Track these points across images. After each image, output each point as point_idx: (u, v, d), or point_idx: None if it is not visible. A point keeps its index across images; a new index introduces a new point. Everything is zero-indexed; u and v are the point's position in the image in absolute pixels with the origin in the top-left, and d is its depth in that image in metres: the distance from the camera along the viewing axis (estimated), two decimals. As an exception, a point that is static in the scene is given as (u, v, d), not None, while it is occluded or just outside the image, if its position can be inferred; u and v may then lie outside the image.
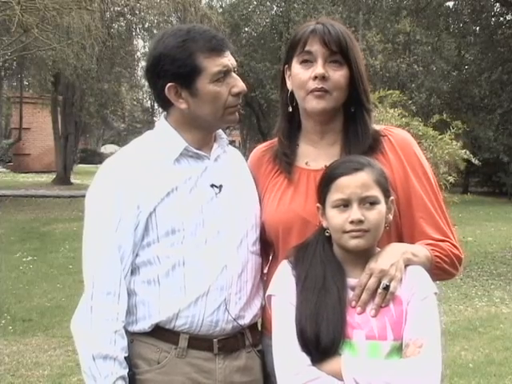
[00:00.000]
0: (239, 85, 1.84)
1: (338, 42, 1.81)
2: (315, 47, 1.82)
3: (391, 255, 1.67)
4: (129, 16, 20.07)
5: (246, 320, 1.86)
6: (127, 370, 1.74)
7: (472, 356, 5.39)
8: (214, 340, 1.81)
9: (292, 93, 1.90)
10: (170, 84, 1.80)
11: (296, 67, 1.86)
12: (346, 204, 1.63)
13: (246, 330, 1.87)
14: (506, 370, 5.07)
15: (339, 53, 1.82)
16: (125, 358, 1.74)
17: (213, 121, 1.85)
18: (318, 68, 1.81)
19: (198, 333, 1.80)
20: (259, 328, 1.96)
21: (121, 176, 1.80)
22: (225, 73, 1.81)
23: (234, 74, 1.84)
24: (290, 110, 1.92)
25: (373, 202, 1.64)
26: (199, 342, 1.80)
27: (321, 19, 1.88)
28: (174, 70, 1.79)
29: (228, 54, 1.83)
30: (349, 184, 1.63)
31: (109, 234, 1.76)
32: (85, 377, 1.76)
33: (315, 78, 1.80)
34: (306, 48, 1.83)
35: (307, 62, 1.83)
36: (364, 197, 1.63)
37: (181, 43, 1.79)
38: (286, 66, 1.92)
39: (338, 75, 1.82)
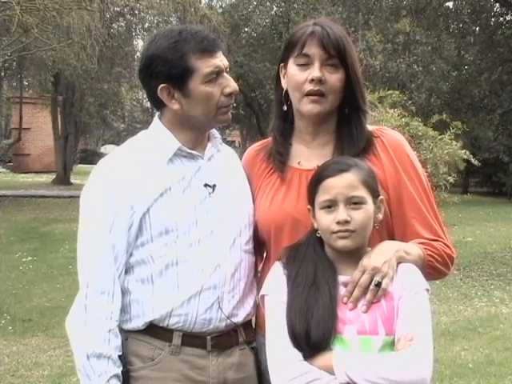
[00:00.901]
0: (231, 85, 1.84)
1: (336, 46, 1.81)
2: (313, 50, 1.82)
3: (384, 253, 1.68)
4: (129, 16, 20.08)
5: (240, 318, 1.88)
6: (121, 369, 1.76)
7: (472, 356, 5.39)
8: (208, 337, 1.82)
9: (287, 92, 1.90)
10: (162, 85, 1.81)
11: (292, 68, 1.86)
12: (332, 205, 1.65)
13: (239, 327, 1.89)
14: (505, 370, 5.07)
15: (336, 56, 1.82)
16: (119, 356, 1.76)
17: (205, 121, 1.86)
18: (315, 71, 1.81)
19: (191, 330, 1.81)
20: (253, 325, 1.97)
21: (115, 176, 1.80)
22: (217, 73, 1.81)
23: (225, 75, 1.84)
24: (285, 108, 1.93)
25: (359, 202, 1.65)
26: (193, 339, 1.82)
27: (319, 20, 1.88)
28: (166, 72, 1.80)
29: (220, 54, 1.84)
30: (335, 185, 1.65)
31: (103, 234, 1.77)
32: (79, 375, 1.78)
33: (312, 80, 1.81)
34: (304, 51, 1.83)
35: (304, 64, 1.84)
36: (350, 197, 1.64)
37: (172, 44, 1.80)
38: (282, 64, 1.92)
39: (334, 78, 1.83)
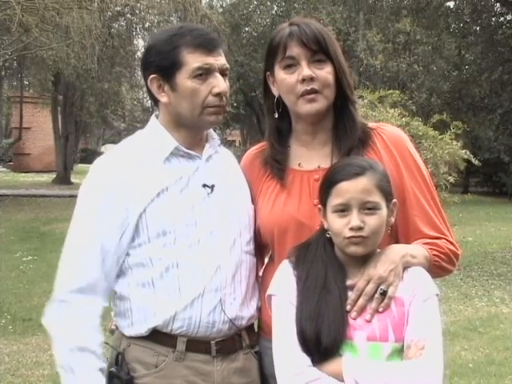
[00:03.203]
0: (220, 85, 1.80)
1: (316, 41, 1.80)
2: (296, 50, 1.80)
3: (390, 260, 1.66)
4: (129, 16, 20.07)
5: (243, 321, 1.85)
6: (105, 364, 1.74)
7: (472, 356, 5.38)
8: (212, 342, 1.80)
9: (278, 99, 1.89)
10: (152, 76, 1.81)
11: (280, 73, 1.84)
12: (345, 209, 1.62)
13: (242, 331, 1.86)
14: (506, 370, 5.06)
15: (320, 51, 1.81)
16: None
17: (191, 119, 1.82)
18: (305, 70, 1.79)
19: (195, 335, 1.79)
20: (256, 329, 1.95)
21: (110, 176, 1.79)
22: (206, 71, 1.78)
23: (217, 75, 1.81)
24: (277, 116, 1.91)
25: (373, 208, 1.62)
26: (197, 344, 1.79)
27: (294, 20, 1.87)
28: (157, 62, 1.80)
29: (217, 54, 1.81)
30: (349, 189, 1.61)
31: (93, 233, 1.76)
32: (62, 372, 1.75)
33: (303, 80, 1.79)
34: (288, 53, 1.81)
35: (291, 66, 1.82)
36: (364, 202, 1.61)
37: (169, 37, 1.80)
38: (268, 72, 1.90)
39: (324, 73, 1.81)
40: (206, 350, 1.80)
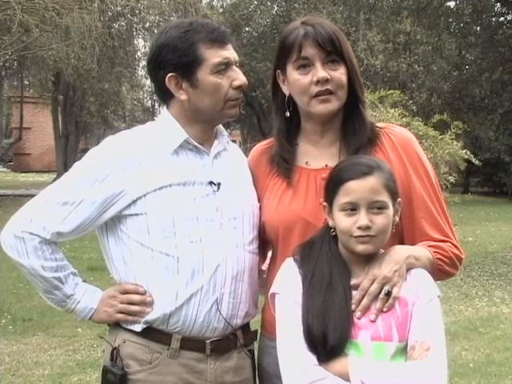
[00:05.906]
0: (240, 78, 1.82)
1: (331, 42, 1.80)
2: (311, 51, 1.80)
3: (395, 261, 1.65)
4: (129, 16, 20.07)
5: (238, 320, 1.85)
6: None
7: (472, 356, 5.38)
8: (207, 341, 1.80)
9: (289, 97, 1.88)
10: (170, 74, 1.80)
11: (293, 73, 1.83)
12: (353, 208, 1.62)
13: (238, 330, 1.86)
14: (506, 370, 5.06)
15: (334, 52, 1.81)
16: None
17: (212, 113, 1.83)
18: (320, 72, 1.79)
19: (190, 333, 1.79)
20: (251, 328, 1.95)
21: (117, 154, 1.80)
22: (226, 65, 1.80)
23: (235, 68, 1.82)
24: (288, 114, 1.90)
25: (381, 207, 1.62)
26: (192, 343, 1.79)
27: (306, 20, 1.86)
28: (175, 60, 1.79)
29: (230, 47, 1.82)
30: (357, 188, 1.61)
31: (79, 186, 1.80)
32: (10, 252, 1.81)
33: (317, 82, 1.79)
34: (302, 54, 1.80)
35: (305, 66, 1.81)
36: (373, 202, 1.61)
37: (183, 34, 1.79)
38: (278, 71, 1.89)
39: (339, 74, 1.81)
40: (201, 348, 1.80)
